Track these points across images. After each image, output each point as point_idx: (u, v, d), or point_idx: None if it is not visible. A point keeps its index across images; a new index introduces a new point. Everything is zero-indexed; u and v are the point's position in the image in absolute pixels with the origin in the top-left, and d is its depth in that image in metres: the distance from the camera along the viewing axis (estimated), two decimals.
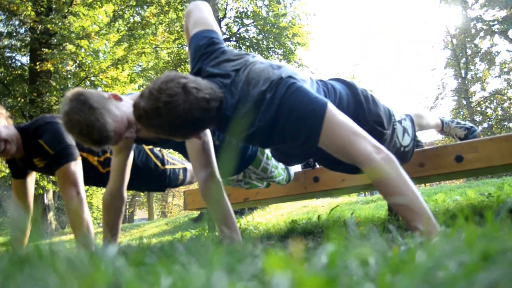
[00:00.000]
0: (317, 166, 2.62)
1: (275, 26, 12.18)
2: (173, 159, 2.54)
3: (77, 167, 1.96)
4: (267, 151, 2.03)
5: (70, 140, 1.99)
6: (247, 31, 13.04)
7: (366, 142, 1.21)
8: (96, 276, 0.42)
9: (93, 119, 1.40)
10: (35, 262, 0.57)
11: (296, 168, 2.52)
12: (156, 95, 1.23)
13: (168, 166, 2.45)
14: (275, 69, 1.36)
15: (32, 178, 2.22)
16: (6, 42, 11.40)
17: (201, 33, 1.53)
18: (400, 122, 1.75)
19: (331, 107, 1.26)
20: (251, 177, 2.11)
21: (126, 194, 1.92)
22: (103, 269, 0.47)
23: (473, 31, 20.38)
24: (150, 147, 2.38)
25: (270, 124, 1.29)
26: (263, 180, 2.17)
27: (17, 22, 11.20)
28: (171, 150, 2.15)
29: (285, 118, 1.27)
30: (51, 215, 11.35)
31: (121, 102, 1.54)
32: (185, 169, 2.57)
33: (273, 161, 2.08)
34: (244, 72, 1.37)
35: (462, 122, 2.32)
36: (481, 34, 20.28)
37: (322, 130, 1.24)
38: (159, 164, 2.40)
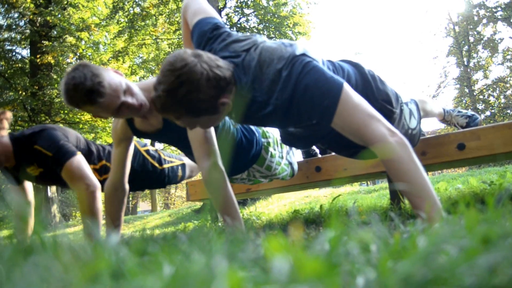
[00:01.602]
0: (319, 155, 2.62)
1: (276, 16, 12.10)
2: (171, 157, 2.51)
3: (79, 161, 1.96)
4: (271, 149, 2.02)
5: (65, 139, 2.01)
6: (247, 21, 12.96)
7: (381, 125, 1.21)
8: (99, 265, 0.42)
9: (87, 72, 1.44)
10: (39, 252, 0.57)
11: (298, 158, 2.52)
12: (171, 66, 1.23)
13: (166, 165, 2.44)
14: (287, 46, 1.35)
15: (27, 184, 2.22)
16: (6, 35, 11.36)
17: (203, 20, 1.52)
18: (406, 104, 1.74)
19: (347, 88, 1.26)
20: (255, 175, 2.10)
21: (127, 185, 1.92)
22: (106, 257, 0.47)
23: (475, 18, 20.20)
24: (146, 148, 2.36)
25: (286, 103, 1.29)
26: (267, 177, 2.16)
27: (16, 15, 11.15)
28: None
29: (300, 97, 1.27)
30: (54, 208, 11.41)
31: (121, 76, 1.57)
32: (183, 165, 2.56)
33: (276, 158, 2.07)
34: (255, 51, 1.35)
35: (464, 111, 2.32)
36: (484, 21, 20.10)
37: (336, 110, 1.23)
38: (156, 164, 2.39)
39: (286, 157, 2.18)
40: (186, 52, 1.26)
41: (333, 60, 1.58)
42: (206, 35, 1.47)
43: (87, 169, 1.97)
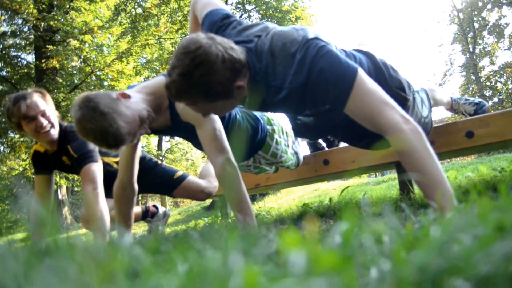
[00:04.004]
0: (326, 148, 2.62)
1: (278, 10, 12.05)
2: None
3: (97, 168, 2.07)
4: (276, 136, 2.03)
5: (94, 148, 2.13)
6: (249, 17, 12.91)
7: (395, 112, 1.19)
8: (114, 265, 0.42)
9: (106, 125, 1.39)
10: (54, 253, 0.58)
11: (306, 151, 2.51)
12: (185, 49, 1.22)
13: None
14: (299, 30, 1.34)
15: (53, 176, 2.35)
16: (10, 41, 11.46)
17: (213, 11, 1.52)
18: (417, 92, 1.73)
19: (362, 74, 1.24)
20: (260, 162, 2.12)
21: (136, 185, 1.93)
22: (120, 258, 0.48)
23: (480, 3, 19.95)
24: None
25: (301, 87, 1.27)
26: (272, 165, 2.17)
27: (20, 21, 11.23)
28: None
29: (315, 81, 1.25)
30: (66, 210, 11.54)
31: (130, 99, 1.51)
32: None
33: (282, 146, 2.07)
34: (267, 37, 1.35)
35: (471, 98, 2.30)
36: (489, 6, 19.85)
37: (350, 96, 1.22)
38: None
39: (292, 146, 2.19)
40: (199, 35, 1.25)
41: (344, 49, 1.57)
42: (217, 23, 1.47)
43: (100, 177, 2.07)
